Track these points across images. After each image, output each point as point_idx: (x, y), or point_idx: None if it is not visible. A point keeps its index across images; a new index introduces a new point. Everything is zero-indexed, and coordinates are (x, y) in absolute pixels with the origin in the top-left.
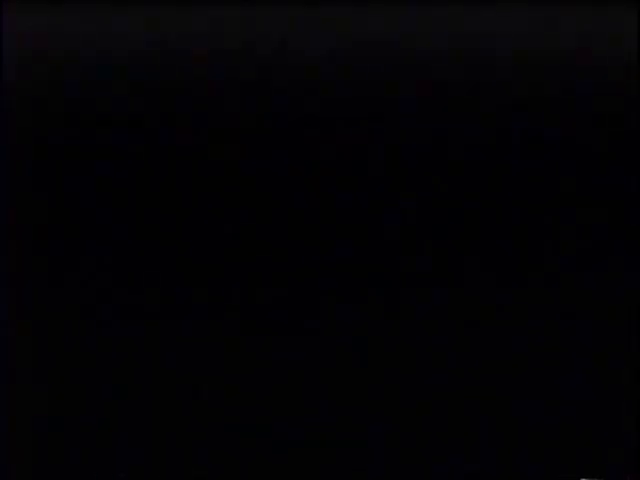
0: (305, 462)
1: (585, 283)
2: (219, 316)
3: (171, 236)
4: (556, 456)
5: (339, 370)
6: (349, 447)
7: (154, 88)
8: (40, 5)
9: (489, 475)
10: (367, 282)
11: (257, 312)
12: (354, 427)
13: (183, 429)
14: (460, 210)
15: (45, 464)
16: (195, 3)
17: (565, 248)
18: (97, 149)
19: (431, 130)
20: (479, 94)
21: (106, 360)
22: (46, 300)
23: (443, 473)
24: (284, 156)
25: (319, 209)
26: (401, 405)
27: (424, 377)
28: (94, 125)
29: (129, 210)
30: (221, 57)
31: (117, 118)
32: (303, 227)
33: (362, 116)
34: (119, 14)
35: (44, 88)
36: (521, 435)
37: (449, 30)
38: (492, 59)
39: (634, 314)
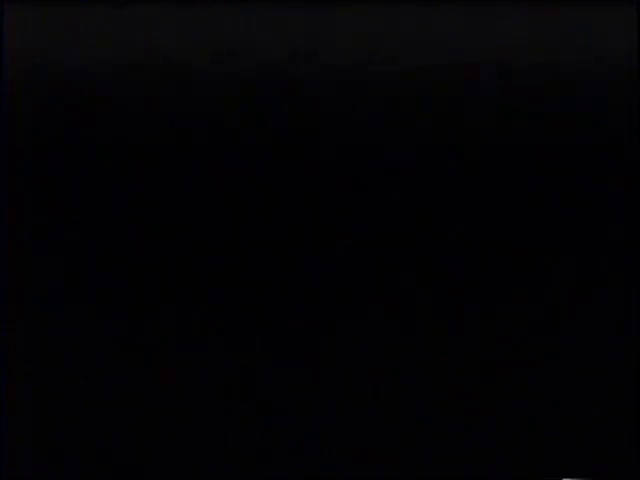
0: (305, 462)
1: (585, 284)
2: (215, 319)
3: (171, 239)
4: (555, 456)
5: (339, 370)
6: (348, 447)
7: (155, 88)
8: (40, 5)
9: (489, 475)
10: (367, 290)
11: (254, 319)
12: (353, 427)
13: (183, 434)
14: (460, 211)
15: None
16: (195, 3)
17: (566, 253)
18: (97, 149)
19: (431, 130)
20: (478, 94)
21: (105, 361)
22: (45, 301)
23: (443, 473)
24: (286, 158)
25: (319, 210)
26: (400, 406)
27: (423, 377)
28: (94, 125)
29: (129, 211)
30: (221, 57)
31: (117, 118)
32: (303, 231)
33: (362, 115)
34: (119, 14)
35: (44, 88)
36: (521, 435)
37: (449, 30)
38: (492, 59)
39: (634, 314)
